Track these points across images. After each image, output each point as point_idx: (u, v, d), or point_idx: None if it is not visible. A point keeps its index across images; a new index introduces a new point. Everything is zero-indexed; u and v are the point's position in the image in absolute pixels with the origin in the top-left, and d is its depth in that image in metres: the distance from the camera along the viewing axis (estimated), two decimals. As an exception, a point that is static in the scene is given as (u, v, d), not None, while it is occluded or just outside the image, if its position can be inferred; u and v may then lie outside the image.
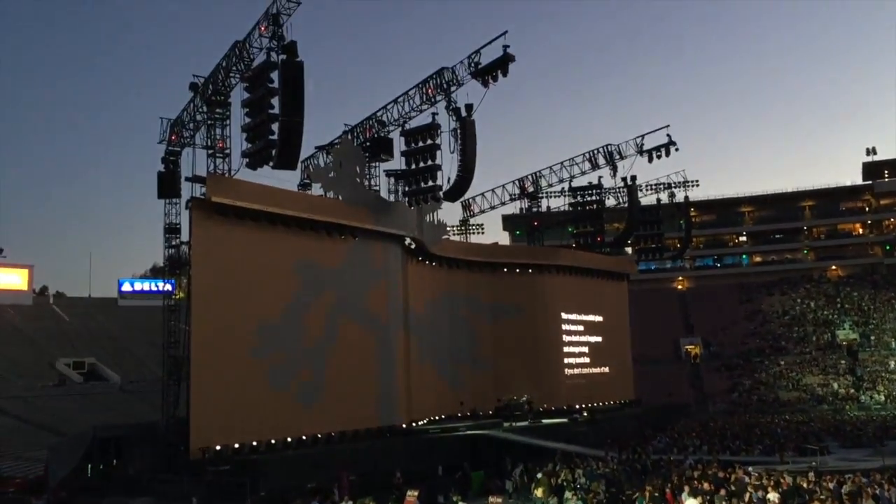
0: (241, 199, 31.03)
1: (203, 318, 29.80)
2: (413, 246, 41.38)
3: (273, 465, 28.10)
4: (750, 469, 23.23)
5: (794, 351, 76.31)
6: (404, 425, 37.44)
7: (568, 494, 22.03)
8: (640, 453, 32.07)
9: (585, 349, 52.83)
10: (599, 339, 53.87)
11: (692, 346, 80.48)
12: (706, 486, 20.19)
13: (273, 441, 30.84)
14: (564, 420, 42.41)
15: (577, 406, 47.58)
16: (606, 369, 53.99)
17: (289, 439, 31.44)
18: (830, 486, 20.15)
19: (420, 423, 39.48)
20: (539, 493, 23.78)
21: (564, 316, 51.17)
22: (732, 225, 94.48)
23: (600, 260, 55.08)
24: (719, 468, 24.05)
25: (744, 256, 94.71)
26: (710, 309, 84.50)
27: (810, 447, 33.39)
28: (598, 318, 54.22)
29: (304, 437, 32.07)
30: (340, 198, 36.52)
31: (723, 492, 19.36)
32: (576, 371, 51.44)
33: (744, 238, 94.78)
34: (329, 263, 35.11)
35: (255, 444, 30.12)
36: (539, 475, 25.55)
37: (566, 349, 51.00)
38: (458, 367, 45.19)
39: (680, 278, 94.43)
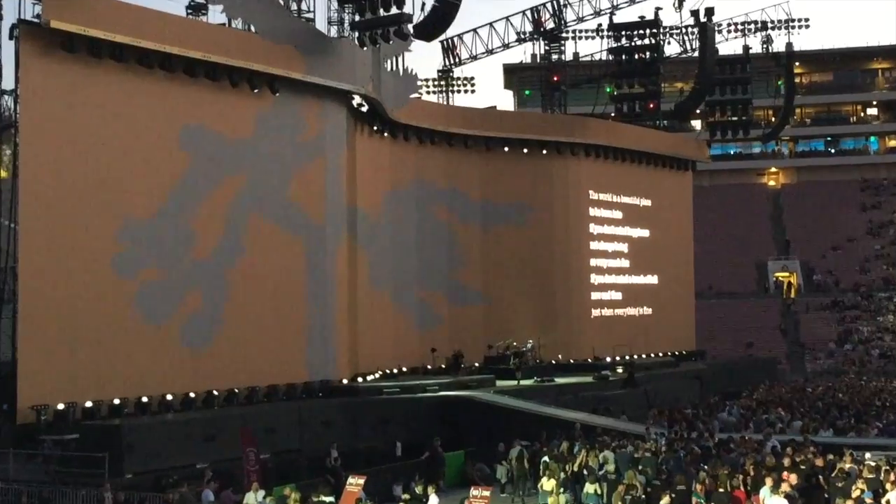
0: (96, 27, 30.19)
1: (37, 212, 29.52)
2: (365, 108, 41.04)
3: (145, 435, 28.24)
4: (865, 456, 23.49)
5: (941, 284, 77.54)
6: (345, 381, 37.80)
7: (589, 488, 22.40)
8: (699, 430, 32.61)
9: (623, 247, 53.56)
10: (646, 233, 54.81)
11: (786, 274, 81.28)
12: (794, 479, 20.56)
13: (145, 399, 31.04)
14: (588, 378, 43.06)
15: (609, 358, 48.33)
16: (655, 280, 55.16)
17: (169, 397, 31.64)
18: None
19: (370, 378, 39.87)
20: (547, 484, 24.13)
21: (593, 195, 51.88)
22: (857, 90, 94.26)
23: (653, 138, 55.07)
24: (817, 454, 24.37)
25: (872, 139, 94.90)
26: (817, 218, 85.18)
27: (956, 427, 33.96)
28: (646, 203, 55.08)
29: (191, 395, 32.27)
30: (253, 30, 35.91)
31: (791, 477, 19.56)
32: (607, 280, 52.45)
33: (873, 111, 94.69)
34: (234, 132, 34.75)
35: (116, 402, 30.31)
36: (547, 459, 25.88)
37: (594, 245, 51.84)
38: (431, 296, 45.53)
39: (773, 170, 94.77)
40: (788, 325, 74.73)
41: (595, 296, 51.82)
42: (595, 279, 51.84)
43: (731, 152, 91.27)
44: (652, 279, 55.09)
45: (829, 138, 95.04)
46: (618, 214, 53.32)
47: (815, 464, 22.99)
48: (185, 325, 32.67)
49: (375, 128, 42.56)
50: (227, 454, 27.78)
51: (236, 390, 33.63)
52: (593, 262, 51.84)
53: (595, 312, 51.71)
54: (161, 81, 32.62)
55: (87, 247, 30.37)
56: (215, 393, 33.00)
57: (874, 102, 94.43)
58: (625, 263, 53.62)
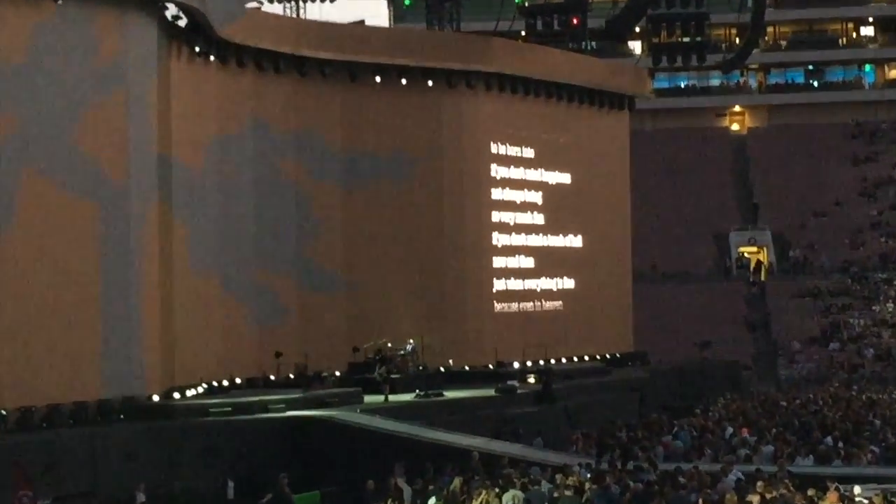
0: None
1: None
2: (183, 22, 41.09)
3: None
4: (855, 490, 23.68)
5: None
6: (157, 398, 37.68)
7: (491, 537, 22.69)
8: (638, 460, 32.54)
9: (537, 196, 54.07)
10: (566, 177, 55.49)
11: (754, 250, 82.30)
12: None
13: None
14: (490, 391, 43.44)
15: (517, 364, 48.76)
16: (578, 241, 55.84)
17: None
18: None
19: (190, 393, 39.97)
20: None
21: (496, 129, 52.26)
22: (848, 3, 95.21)
23: (578, 66, 55.47)
24: (791, 488, 24.62)
25: (867, 68, 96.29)
26: (794, 174, 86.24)
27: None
28: (566, 139, 55.72)
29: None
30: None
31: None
32: (515, 240, 52.81)
33: (869, 30, 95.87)
34: (3, 53, 34.02)
35: None
36: (433, 500, 25.97)
37: (497, 193, 52.27)
38: (274, 280, 45.57)
39: (737, 109, 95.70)
40: (756, 318, 75.58)
41: (499, 262, 52.12)
42: (498, 239, 52.16)
43: (682, 85, 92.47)
44: (575, 241, 55.77)
45: (810, 67, 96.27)
46: (529, 153, 53.72)
47: (791, 501, 23.02)
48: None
49: (198, 49, 42.23)
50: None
51: (3, 412, 32.91)
52: (496, 216, 52.15)
53: (499, 285, 51.98)
54: None
55: None
56: (-26, 416, 32.78)
57: (870, 20, 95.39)
58: (538, 219, 54.09)
